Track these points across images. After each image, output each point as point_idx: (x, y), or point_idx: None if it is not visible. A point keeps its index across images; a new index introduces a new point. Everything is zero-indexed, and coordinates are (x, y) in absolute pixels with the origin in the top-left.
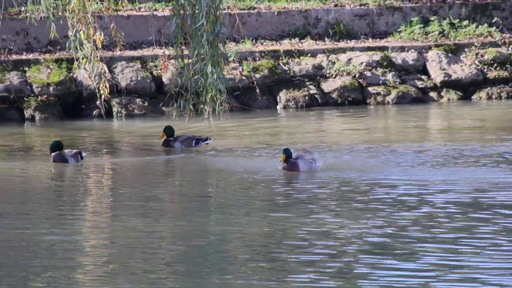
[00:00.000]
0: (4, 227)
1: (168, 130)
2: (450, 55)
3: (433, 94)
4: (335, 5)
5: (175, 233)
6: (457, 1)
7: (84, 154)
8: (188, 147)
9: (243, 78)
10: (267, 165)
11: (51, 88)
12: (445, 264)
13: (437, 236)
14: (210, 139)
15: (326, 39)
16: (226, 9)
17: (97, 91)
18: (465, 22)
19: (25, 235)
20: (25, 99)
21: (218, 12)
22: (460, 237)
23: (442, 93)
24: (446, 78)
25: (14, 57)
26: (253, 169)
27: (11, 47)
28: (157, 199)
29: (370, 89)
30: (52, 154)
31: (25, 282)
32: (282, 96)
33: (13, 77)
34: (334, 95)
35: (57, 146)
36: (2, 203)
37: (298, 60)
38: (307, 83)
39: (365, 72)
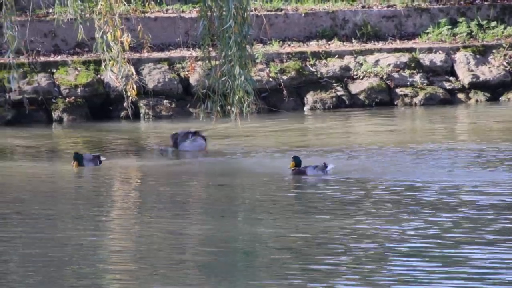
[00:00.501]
0: (33, 228)
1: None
2: (478, 56)
3: (461, 96)
4: (363, 7)
5: (204, 235)
6: (485, 2)
7: (102, 158)
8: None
9: (270, 79)
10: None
11: (78, 90)
12: (490, 266)
13: (479, 238)
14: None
15: (353, 40)
16: (254, 11)
17: (124, 92)
18: (493, 23)
19: (53, 236)
20: (53, 100)
21: (245, 14)
22: (501, 240)
23: (470, 95)
24: (474, 80)
25: (42, 59)
26: (281, 171)
27: (39, 49)
28: (185, 201)
29: (397, 90)
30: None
31: (57, 283)
32: (309, 97)
33: (41, 79)
34: (361, 97)
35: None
36: (31, 203)
37: (326, 62)
38: (334, 84)
39: (393, 74)
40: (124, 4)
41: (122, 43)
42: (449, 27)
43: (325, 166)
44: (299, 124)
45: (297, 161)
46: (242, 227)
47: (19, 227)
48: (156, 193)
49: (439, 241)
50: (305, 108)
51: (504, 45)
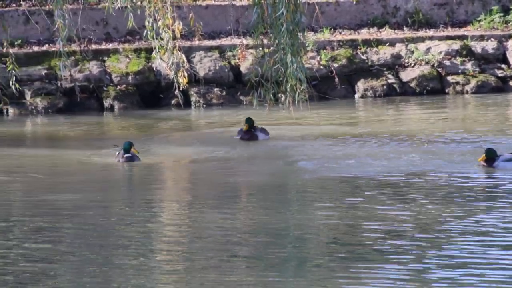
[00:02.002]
0: (82, 218)
1: None
2: None
3: None
4: None
5: (255, 226)
6: None
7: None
8: None
9: (321, 67)
10: (345, 155)
11: (129, 78)
12: None
13: None
14: None
15: (405, 28)
16: None
17: (175, 80)
18: None
19: (99, 227)
20: (104, 88)
21: (297, 1)
22: None
23: None
24: None
25: (94, 46)
26: (330, 159)
27: (91, 37)
28: (236, 190)
29: (449, 78)
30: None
31: (100, 276)
32: (360, 85)
33: (93, 67)
34: (412, 85)
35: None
36: (81, 192)
37: (377, 49)
38: (386, 72)
39: (444, 61)
40: None
41: (173, 31)
42: (501, 14)
43: None
44: (351, 111)
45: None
46: (291, 217)
47: (70, 217)
48: (205, 182)
49: None
50: (355, 96)
51: None
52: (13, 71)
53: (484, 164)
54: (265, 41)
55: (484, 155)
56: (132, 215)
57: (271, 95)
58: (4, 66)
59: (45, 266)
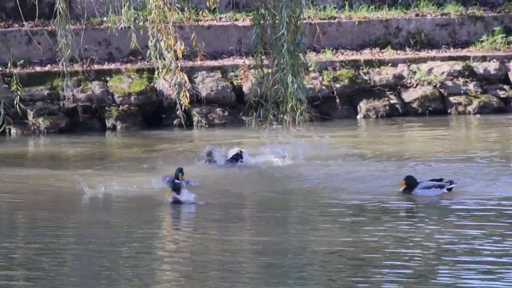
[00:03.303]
0: (86, 235)
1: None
2: None
3: None
4: (416, 15)
5: (261, 245)
6: None
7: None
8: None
9: (323, 87)
10: (348, 175)
11: (132, 98)
12: None
13: None
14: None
15: (407, 48)
16: (307, 19)
17: (177, 100)
18: None
19: (100, 245)
20: (107, 108)
21: (298, 22)
22: None
23: None
24: None
25: (96, 67)
26: (334, 179)
27: (93, 57)
28: (242, 208)
29: (451, 98)
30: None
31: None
32: (362, 105)
33: (95, 87)
34: (414, 105)
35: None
36: (86, 211)
37: (379, 70)
38: (388, 92)
39: (446, 82)
40: (178, 13)
41: (175, 51)
42: (504, 35)
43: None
44: (353, 132)
45: (410, 181)
46: (299, 235)
47: (73, 236)
48: (213, 201)
49: None
50: (358, 117)
51: None
52: (17, 91)
53: (401, 191)
54: (266, 62)
55: (403, 181)
56: (136, 233)
57: (271, 115)
58: (7, 86)
59: None
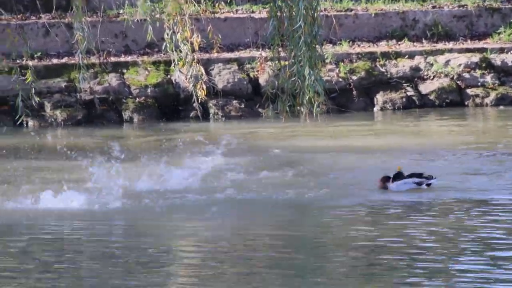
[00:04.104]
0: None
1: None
2: None
3: None
4: (433, 7)
5: (285, 234)
6: None
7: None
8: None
9: (340, 79)
10: (368, 168)
11: (148, 90)
12: None
13: None
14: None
15: (423, 40)
16: (323, 11)
17: (194, 93)
18: None
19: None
20: (123, 100)
21: (315, 14)
22: None
23: None
24: None
25: (113, 59)
26: (354, 170)
27: (110, 50)
28: (265, 199)
29: (468, 91)
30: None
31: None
32: (379, 97)
33: (112, 79)
34: (431, 97)
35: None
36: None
37: (395, 62)
38: (405, 84)
39: (464, 74)
40: (194, 5)
41: (192, 43)
42: None
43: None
44: (369, 124)
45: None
46: (326, 227)
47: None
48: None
49: None
50: (374, 109)
51: None
52: (33, 83)
53: (380, 185)
54: (283, 54)
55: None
56: (169, 223)
57: (288, 108)
58: (23, 78)
59: None
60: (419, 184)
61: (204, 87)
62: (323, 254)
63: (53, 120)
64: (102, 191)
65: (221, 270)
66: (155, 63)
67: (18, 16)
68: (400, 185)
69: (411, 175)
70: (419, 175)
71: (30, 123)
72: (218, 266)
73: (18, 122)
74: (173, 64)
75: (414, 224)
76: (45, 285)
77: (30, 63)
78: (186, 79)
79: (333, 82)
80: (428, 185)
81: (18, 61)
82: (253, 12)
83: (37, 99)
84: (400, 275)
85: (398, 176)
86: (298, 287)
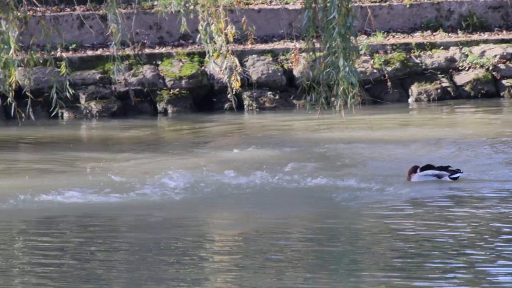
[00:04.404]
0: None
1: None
2: None
3: None
4: None
5: (321, 225)
6: None
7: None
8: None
9: (374, 71)
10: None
11: (183, 82)
12: None
13: None
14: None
15: (458, 31)
16: (358, 2)
17: (228, 84)
18: None
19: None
20: (158, 92)
21: (349, 5)
22: None
23: None
24: None
25: (147, 50)
26: (391, 162)
27: (144, 41)
28: (299, 189)
29: (504, 81)
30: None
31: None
32: (414, 89)
33: (146, 71)
34: (467, 88)
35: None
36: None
37: (430, 53)
38: (439, 76)
39: (499, 65)
40: None
41: (226, 35)
42: None
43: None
44: (404, 115)
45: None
46: (363, 220)
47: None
48: (270, 182)
49: None
50: (409, 100)
51: None
52: (67, 75)
53: (407, 177)
54: (317, 45)
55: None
56: (200, 212)
57: (323, 99)
58: (58, 70)
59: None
60: (439, 176)
61: (238, 78)
62: (360, 245)
63: (87, 111)
64: (140, 182)
65: (259, 260)
66: (189, 55)
67: (53, 8)
68: (420, 176)
69: (437, 168)
70: (445, 168)
71: (65, 114)
72: (256, 256)
73: (53, 114)
74: (207, 56)
75: (452, 216)
76: (105, 272)
77: (65, 55)
78: (221, 70)
79: (368, 74)
80: (454, 178)
81: (52, 53)
82: (287, 3)
83: (71, 91)
84: (436, 266)
85: (427, 167)
86: (335, 278)
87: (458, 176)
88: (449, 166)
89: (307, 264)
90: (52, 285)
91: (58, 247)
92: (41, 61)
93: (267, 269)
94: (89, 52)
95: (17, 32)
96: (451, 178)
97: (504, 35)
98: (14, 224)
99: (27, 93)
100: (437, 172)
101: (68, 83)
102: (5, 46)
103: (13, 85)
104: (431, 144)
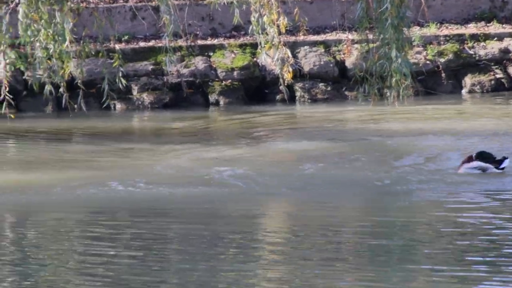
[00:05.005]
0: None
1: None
2: None
3: None
4: None
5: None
6: None
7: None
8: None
9: (427, 62)
10: (448, 152)
11: (235, 73)
12: None
13: None
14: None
15: None
16: None
17: (280, 75)
18: None
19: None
20: (210, 83)
21: None
22: None
23: None
24: None
25: (200, 42)
26: (438, 155)
27: (197, 33)
28: (350, 183)
29: None
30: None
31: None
32: (467, 80)
33: (199, 62)
34: None
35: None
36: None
37: (484, 44)
38: (493, 67)
39: None
40: None
41: (278, 26)
42: None
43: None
44: (457, 107)
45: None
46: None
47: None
48: (318, 174)
49: None
50: (462, 91)
51: None
52: (120, 67)
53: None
54: (370, 36)
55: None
56: (244, 207)
57: (376, 90)
58: (110, 61)
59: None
60: (483, 170)
61: (290, 70)
62: (413, 239)
63: (140, 103)
64: (193, 173)
65: (313, 254)
66: (242, 46)
67: None
68: (466, 169)
69: (481, 158)
70: (494, 160)
71: (118, 106)
72: (309, 250)
73: (105, 105)
74: (259, 47)
75: (503, 209)
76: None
77: (118, 46)
78: (273, 62)
79: (421, 65)
80: (502, 168)
81: (105, 44)
82: None
83: (124, 82)
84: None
85: (480, 156)
86: (388, 273)
87: (505, 167)
88: (495, 158)
89: (361, 259)
90: (105, 274)
91: (111, 238)
92: (93, 53)
93: (322, 265)
94: (142, 44)
95: (71, 24)
96: (499, 169)
97: None
98: (66, 215)
99: (79, 84)
100: (482, 164)
101: (121, 74)
102: (60, 38)
103: (66, 76)
104: (487, 135)
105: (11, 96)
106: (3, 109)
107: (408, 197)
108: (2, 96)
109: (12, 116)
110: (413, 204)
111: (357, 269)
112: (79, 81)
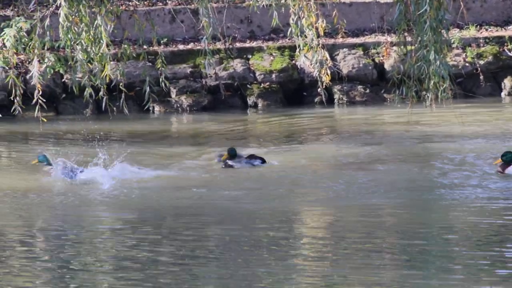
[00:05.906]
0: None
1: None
2: None
3: None
4: None
5: (400, 221)
6: None
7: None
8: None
9: (467, 64)
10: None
11: (273, 75)
12: None
13: None
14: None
15: None
16: None
17: (318, 78)
18: None
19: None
20: (248, 86)
21: None
22: None
23: None
24: None
25: (238, 45)
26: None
27: (235, 35)
28: (378, 185)
29: None
30: None
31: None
32: (507, 83)
33: (237, 65)
34: None
35: None
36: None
37: None
38: None
39: None
40: None
41: (317, 28)
42: None
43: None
44: (496, 110)
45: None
46: (432, 215)
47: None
48: (353, 178)
49: None
50: (502, 94)
51: None
52: (162, 69)
53: (497, 170)
54: (409, 38)
55: (500, 158)
56: (270, 206)
57: (413, 93)
58: (150, 64)
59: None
60: None
61: (329, 72)
62: (452, 244)
63: (178, 105)
64: (230, 178)
65: (350, 255)
66: (280, 49)
67: (145, 2)
68: (509, 169)
69: None
70: None
71: (156, 108)
72: (347, 251)
73: (145, 108)
74: (298, 50)
75: None
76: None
77: (159, 50)
78: (311, 64)
79: (460, 67)
80: None
81: (145, 47)
82: None
83: (167, 83)
84: None
85: None
86: (424, 277)
87: None
88: None
89: (400, 260)
90: (147, 273)
91: (151, 240)
92: (134, 55)
93: (361, 266)
94: (180, 46)
95: (110, 27)
96: None
97: None
98: (105, 216)
99: (120, 87)
100: None
101: (164, 77)
102: (101, 41)
103: (106, 79)
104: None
105: (44, 100)
106: (36, 112)
107: (449, 200)
108: (35, 99)
109: (44, 119)
110: (455, 208)
111: (393, 268)
112: (120, 84)
